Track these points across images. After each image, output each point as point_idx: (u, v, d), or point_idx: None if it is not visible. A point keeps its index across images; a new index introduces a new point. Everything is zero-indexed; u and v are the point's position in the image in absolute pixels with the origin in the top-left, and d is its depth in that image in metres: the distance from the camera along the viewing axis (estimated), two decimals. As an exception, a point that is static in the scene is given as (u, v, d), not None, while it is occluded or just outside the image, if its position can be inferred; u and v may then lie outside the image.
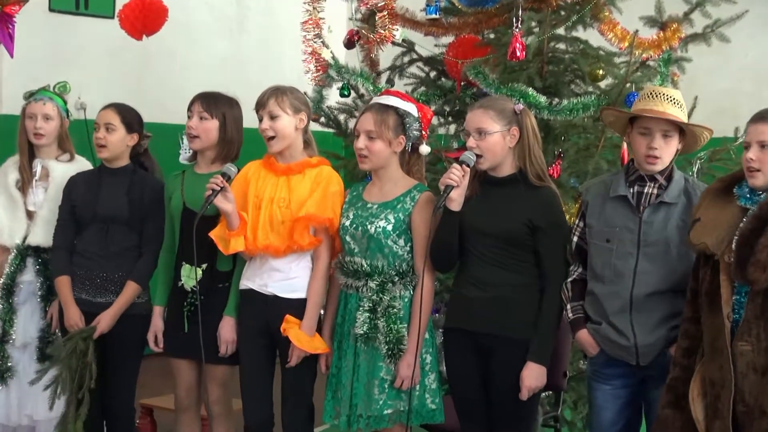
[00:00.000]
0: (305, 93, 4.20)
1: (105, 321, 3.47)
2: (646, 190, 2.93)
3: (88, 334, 3.43)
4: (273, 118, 3.22)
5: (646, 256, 2.87)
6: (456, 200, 2.99)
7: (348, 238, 3.16)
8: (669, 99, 2.91)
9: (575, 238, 3.06)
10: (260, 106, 3.26)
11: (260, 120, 3.27)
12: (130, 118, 3.59)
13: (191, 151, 3.47)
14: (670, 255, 2.86)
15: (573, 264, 3.08)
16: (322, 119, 4.41)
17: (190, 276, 3.31)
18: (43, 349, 3.67)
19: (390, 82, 4.44)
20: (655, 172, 2.92)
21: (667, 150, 2.91)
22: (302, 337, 3.15)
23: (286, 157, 3.29)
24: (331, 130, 4.49)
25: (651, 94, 2.94)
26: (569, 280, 3.06)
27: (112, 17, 5.41)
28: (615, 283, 2.91)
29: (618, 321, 2.90)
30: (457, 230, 3.03)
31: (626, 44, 3.90)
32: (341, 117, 4.45)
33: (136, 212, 3.52)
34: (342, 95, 4.28)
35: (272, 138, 3.24)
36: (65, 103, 3.85)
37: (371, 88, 4.06)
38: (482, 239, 3.02)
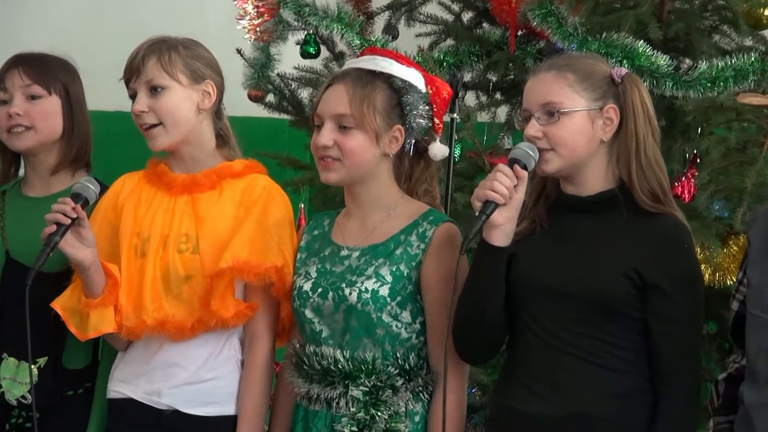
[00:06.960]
0: (241, 52, 4.11)
1: None
2: None
3: None
4: (155, 91, 3.27)
5: None
6: (503, 227, 2.93)
7: (309, 314, 3.16)
8: None
9: (735, 304, 3.03)
10: (132, 72, 3.29)
11: (132, 97, 3.29)
12: None
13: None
14: None
15: (735, 350, 3.06)
16: (270, 97, 4.57)
17: (17, 378, 3.34)
18: None
19: (390, 30, 4.55)
20: None
21: None
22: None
23: (186, 161, 3.34)
24: (285, 117, 4.60)
25: None
26: (722, 376, 3.07)
27: None
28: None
29: None
30: (502, 285, 3.00)
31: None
32: (303, 94, 4.58)
33: None
34: (305, 55, 4.39)
35: (154, 126, 3.26)
36: None
37: (357, 42, 4.11)
38: (553, 306, 2.99)
